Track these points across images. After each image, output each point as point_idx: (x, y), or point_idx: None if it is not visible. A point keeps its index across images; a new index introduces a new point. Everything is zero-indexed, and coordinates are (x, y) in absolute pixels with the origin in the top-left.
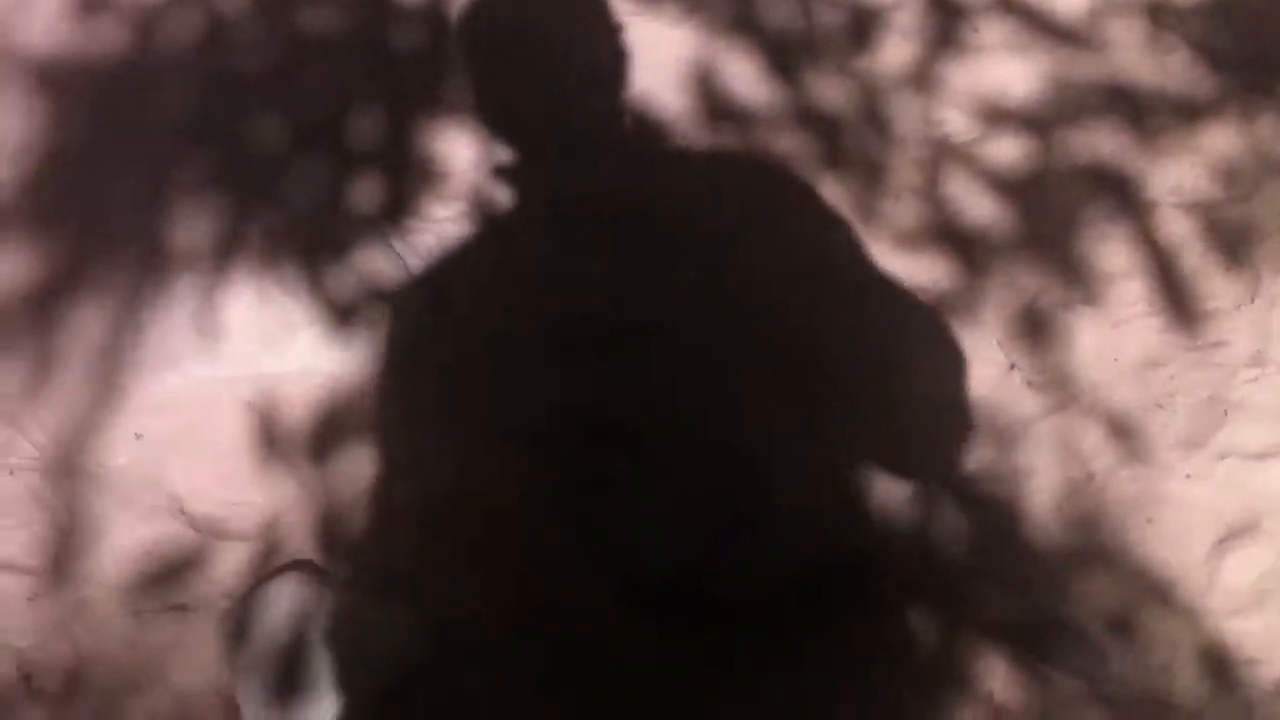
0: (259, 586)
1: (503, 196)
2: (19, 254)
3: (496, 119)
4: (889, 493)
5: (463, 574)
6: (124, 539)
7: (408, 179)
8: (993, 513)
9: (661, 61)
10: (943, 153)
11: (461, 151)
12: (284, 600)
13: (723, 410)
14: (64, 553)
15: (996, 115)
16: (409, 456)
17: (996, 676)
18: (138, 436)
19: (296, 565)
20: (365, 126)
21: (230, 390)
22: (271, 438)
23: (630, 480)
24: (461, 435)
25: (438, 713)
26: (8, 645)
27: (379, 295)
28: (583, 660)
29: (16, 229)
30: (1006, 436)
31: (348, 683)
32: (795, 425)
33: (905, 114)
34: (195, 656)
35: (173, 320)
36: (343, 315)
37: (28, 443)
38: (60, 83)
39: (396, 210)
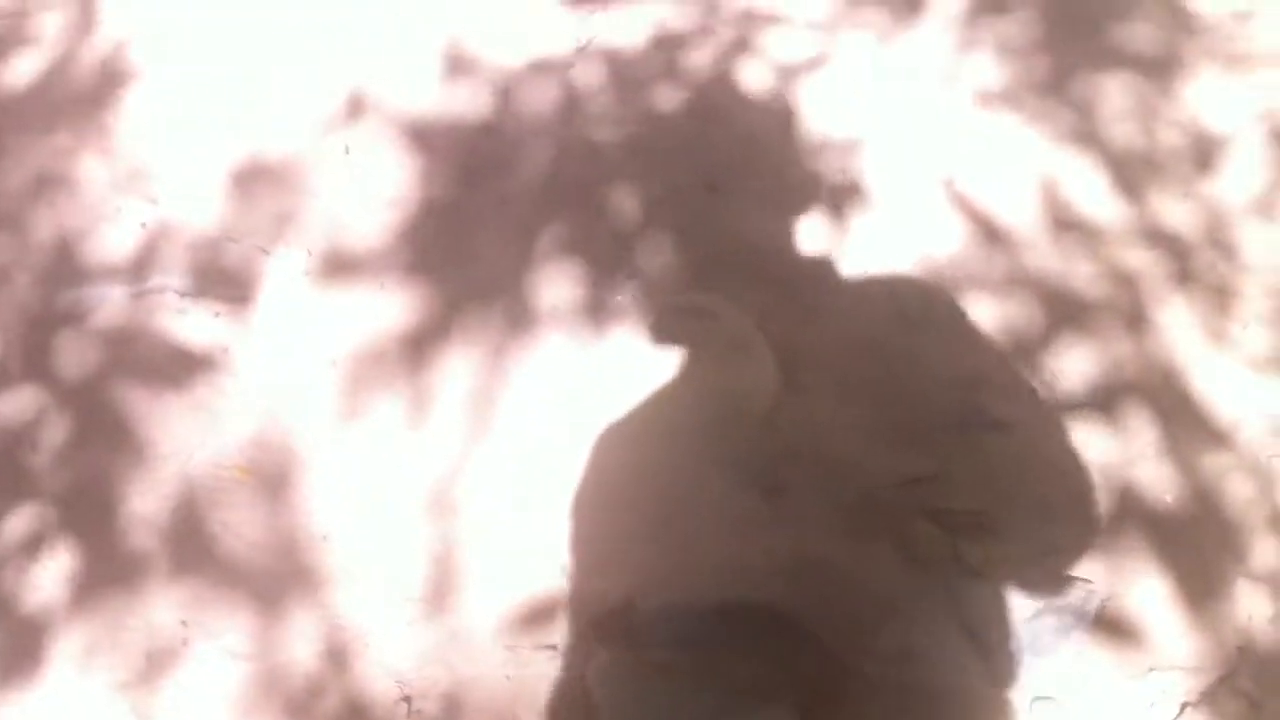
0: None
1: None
2: (397, 295)
3: None
4: None
5: None
6: (497, 576)
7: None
8: None
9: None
10: None
11: None
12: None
13: None
14: (442, 584)
15: None
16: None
17: None
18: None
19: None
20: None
21: None
22: None
23: None
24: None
25: None
26: (389, 668)
27: None
28: None
29: (395, 272)
30: None
31: None
32: None
33: (1253, 241)
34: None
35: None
36: None
37: (406, 476)
38: (430, 141)
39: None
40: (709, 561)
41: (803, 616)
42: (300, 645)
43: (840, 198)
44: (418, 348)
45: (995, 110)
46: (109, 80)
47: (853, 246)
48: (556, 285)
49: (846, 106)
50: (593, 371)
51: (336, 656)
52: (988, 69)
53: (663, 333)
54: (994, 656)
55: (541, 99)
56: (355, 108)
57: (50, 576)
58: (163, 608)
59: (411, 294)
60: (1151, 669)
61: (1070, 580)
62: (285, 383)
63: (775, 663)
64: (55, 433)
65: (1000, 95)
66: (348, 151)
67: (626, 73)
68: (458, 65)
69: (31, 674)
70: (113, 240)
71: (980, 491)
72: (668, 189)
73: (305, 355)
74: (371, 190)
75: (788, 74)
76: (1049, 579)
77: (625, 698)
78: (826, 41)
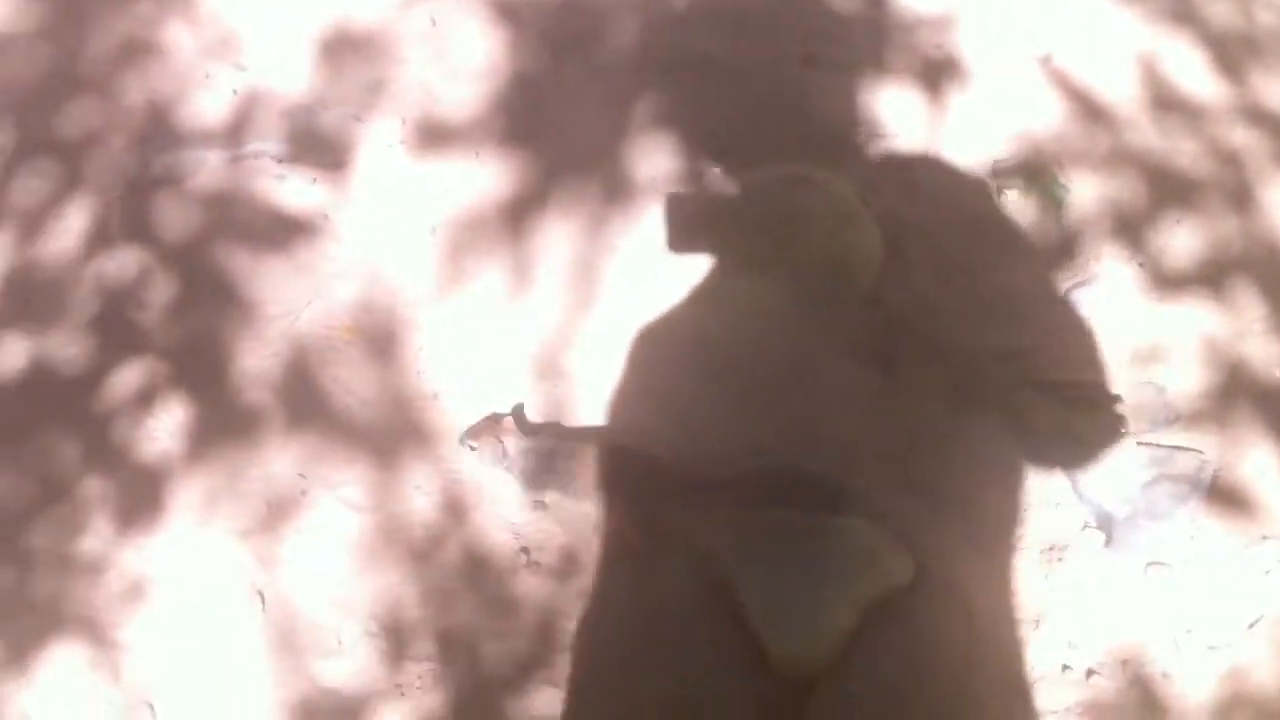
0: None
1: None
2: (492, 164)
3: None
4: None
5: None
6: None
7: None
8: None
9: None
10: None
11: None
12: None
13: None
14: None
15: None
16: None
17: None
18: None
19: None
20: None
21: None
22: None
23: None
24: None
25: None
26: (506, 520)
27: None
28: None
29: (489, 142)
30: None
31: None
32: None
33: None
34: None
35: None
36: None
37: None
38: (514, 13)
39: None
40: (824, 432)
41: (916, 487)
42: (417, 497)
43: (937, 73)
44: (516, 216)
45: None
46: None
47: (951, 123)
48: (651, 157)
49: None
50: (695, 241)
51: (454, 508)
52: None
53: (763, 203)
54: (1109, 524)
55: None
56: None
57: (164, 428)
58: (280, 460)
59: (507, 164)
60: (1265, 537)
61: (1182, 450)
62: (387, 248)
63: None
64: (161, 292)
65: None
66: (434, 23)
67: None
68: None
69: (153, 520)
70: (205, 106)
71: (1084, 364)
72: (760, 62)
73: (405, 222)
74: (459, 61)
75: None
76: (1159, 448)
77: (759, 556)
78: None
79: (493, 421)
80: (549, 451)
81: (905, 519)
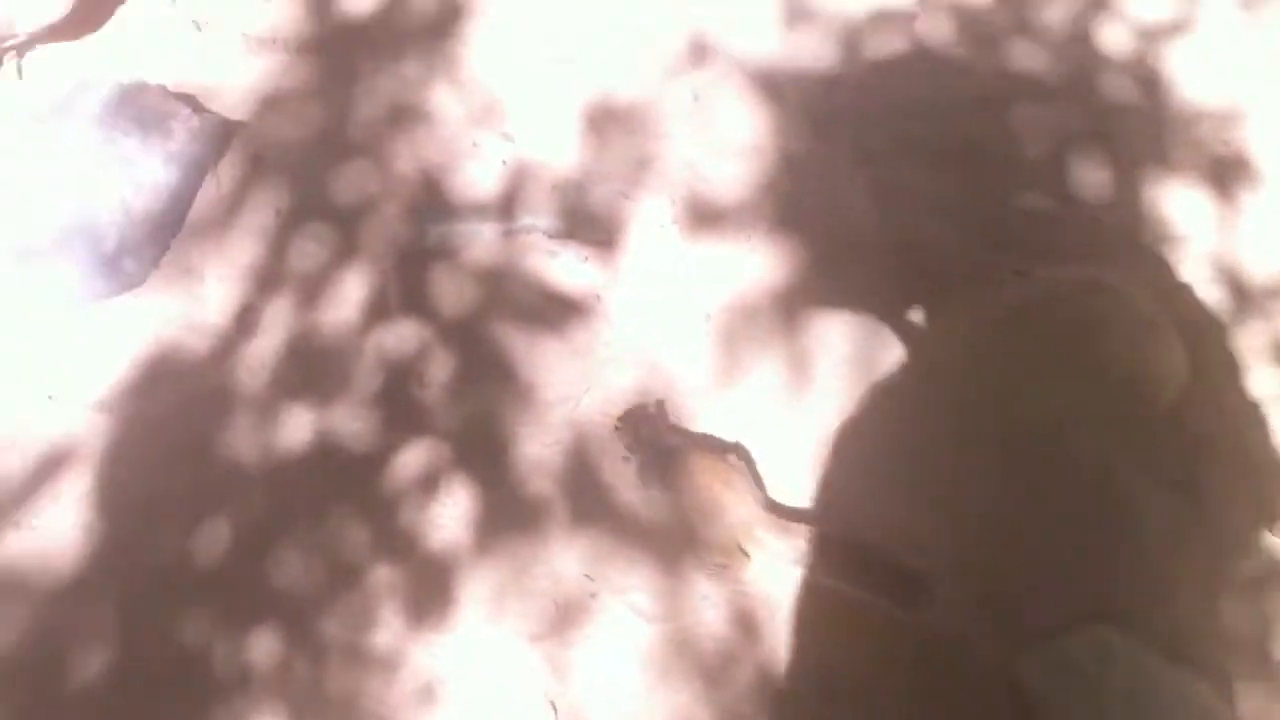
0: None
1: None
2: (762, 252)
3: None
4: None
5: None
6: None
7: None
8: None
9: None
10: None
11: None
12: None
13: None
14: None
15: None
16: None
17: None
18: None
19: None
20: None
21: None
22: None
23: None
24: None
25: None
26: None
27: None
28: None
29: (761, 225)
30: None
31: None
32: None
33: None
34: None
35: (919, 339)
36: None
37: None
38: (777, 90)
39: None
40: (1123, 560)
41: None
42: (706, 608)
43: (1225, 172)
44: (790, 306)
45: None
46: (452, 10)
47: (1244, 226)
48: (931, 250)
49: (1220, 73)
50: (982, 343)
51: (744, 624)
52: None
53: (1061, 308)
54: None
55: (887, 50)
56: (699, 53)
57: (450, 515)
58: (566, 558)
59: (779, 250)
60: None
61: None
62: (661, 334)
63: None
64: (440, 368)
65: None
66: (696, 98)
67: (974, 28)
68: (799, 12)
69: (443, 615)
70: (475, 176)
71: None
72: (1036, 152)
73: (678, 307)
74: (724, 139)
75: (1149, 36)
76: None
77: (1080, 692)
78: (1188, 3)
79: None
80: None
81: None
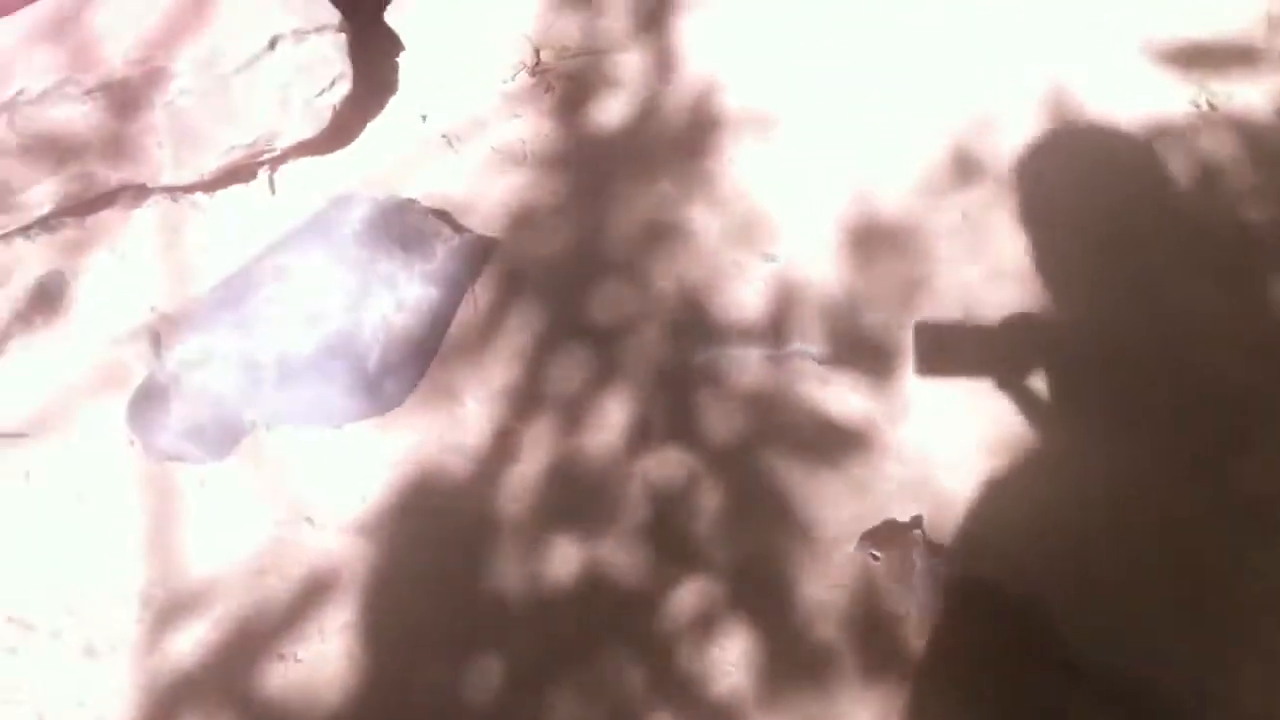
0: None
1: None
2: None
3: None
4: None
5: None
6: None
7: None
8: None
9: None
10: None
11: None
12: None
13: None
14: None
15: None
16: None
17: None
18: None
19: None
20: None
21: None
22: None
23: None
24: None
25: None
26: None
27: None
28: None
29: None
30: None
31: None
32: None
33: None
34: None
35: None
36: None
37: None
38: (1049, 210)
39: None
40: None
41: None
42: None
43: None
44: (1072, 445)
45: None
46: (707, 123)
47: None
48: (1224, 380)
49: None
50: None
51: None
52: None
53: None
54: None
55: (1166, 166)
56: (964, 169)
57: (731, 660)
58: (858, 715)
59: (1059, 380)
60: None
61: None
62: (946, 471)
63: None
64: (711, 500)
65: None
66: (965, 217)
67: (1261, 143)
68: (1064, 125)
69: None
70: (739, 297)
71: None
72: None
73: (958, 442)
74: (997, 261)
75: None
76: None
77: None
78: None
79: (897, 530)
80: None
81: None
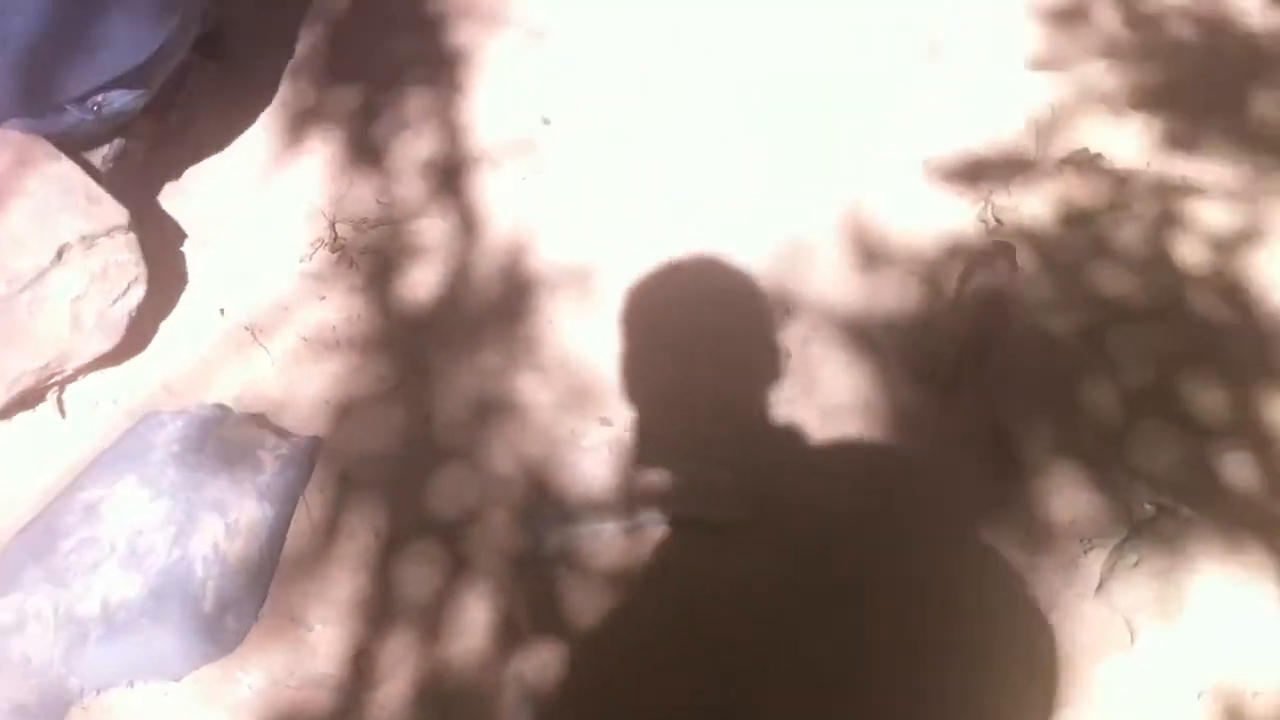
0: None
1: None
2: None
3: None
4: None
5: None
6: None
7: None
8: None
9: None
10: None
11: None
12: None
13: None
14: None
15: None
16: None
17: None
18: None
19: None
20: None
21: None
22: None
23: None
24: None
25: None
26: None
27: None
28: None
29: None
30: None
31: None
32: None
33: None
34: None
35: None
36: None
37: None
38: (869, 340)
39: None
40: None
41: None
42: None
43: None
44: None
45: None
46: (521, 287)
47: None
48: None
49: None
50: None
51: None
52: None
53: None
54: None
55: (972, 286)
56: (784, 307)
57: None
58: None
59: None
60: None
61: None
62: None
63: None
64: (592, 701)
65: None
66: (790, 356)
67: (1053, 256)
68: (867, 252)
69: None
70: (582, 468)
71: None
72: (1143, 373)
73: None
74: (830, 399)
75: (1223, 247)
76: None
77: None
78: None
79: None
80: None
81: None
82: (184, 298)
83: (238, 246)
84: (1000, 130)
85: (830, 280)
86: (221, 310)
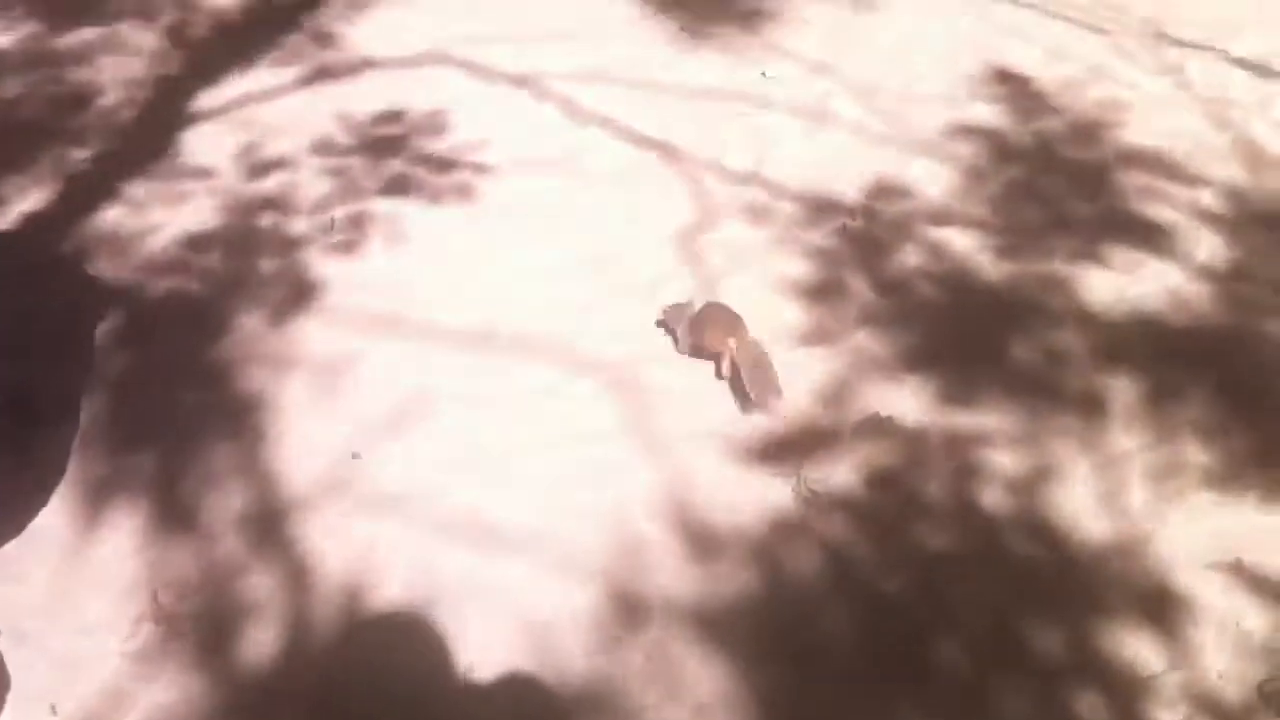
0: None
1: None
2: None
3: None
4: None
5: None
6: None
7: None
8: None
9: None
10: None
11: None
12: None
13: None
14: None
15: None
16: None
17: None
18: None
19: None
20: None
21: None
22: None
23: None
24: None
25: None
26: None
27: None
28: None
29: None
30: None
31: None
32: None
33: None
34: None
35: None
36: None
37: None
38: (717, 628)
39: None
40: None
41: None
42: None
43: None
44: None
45: None
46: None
47: None
48: None
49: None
50: None
51: None
52: None
53: None
54: None
55: (800, 562)
56: (630, 615)
57: None
58: None
59: None
60: None
61: None
62: None
63: None
64: None
65: None
66: (649, 660)
67: (867, 518)
68: (695, 538)
69: None
70: None
71: None
72: (973, 618)
73: None
74: (695, 697)
75: (1021, 490)
76: None
77: None
78: (1037, 454)
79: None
80: None
81: None
82: (10, 699)
83: (56, 636)
84: (791, 405)
85: (672, 578)
86: (52, 708)
